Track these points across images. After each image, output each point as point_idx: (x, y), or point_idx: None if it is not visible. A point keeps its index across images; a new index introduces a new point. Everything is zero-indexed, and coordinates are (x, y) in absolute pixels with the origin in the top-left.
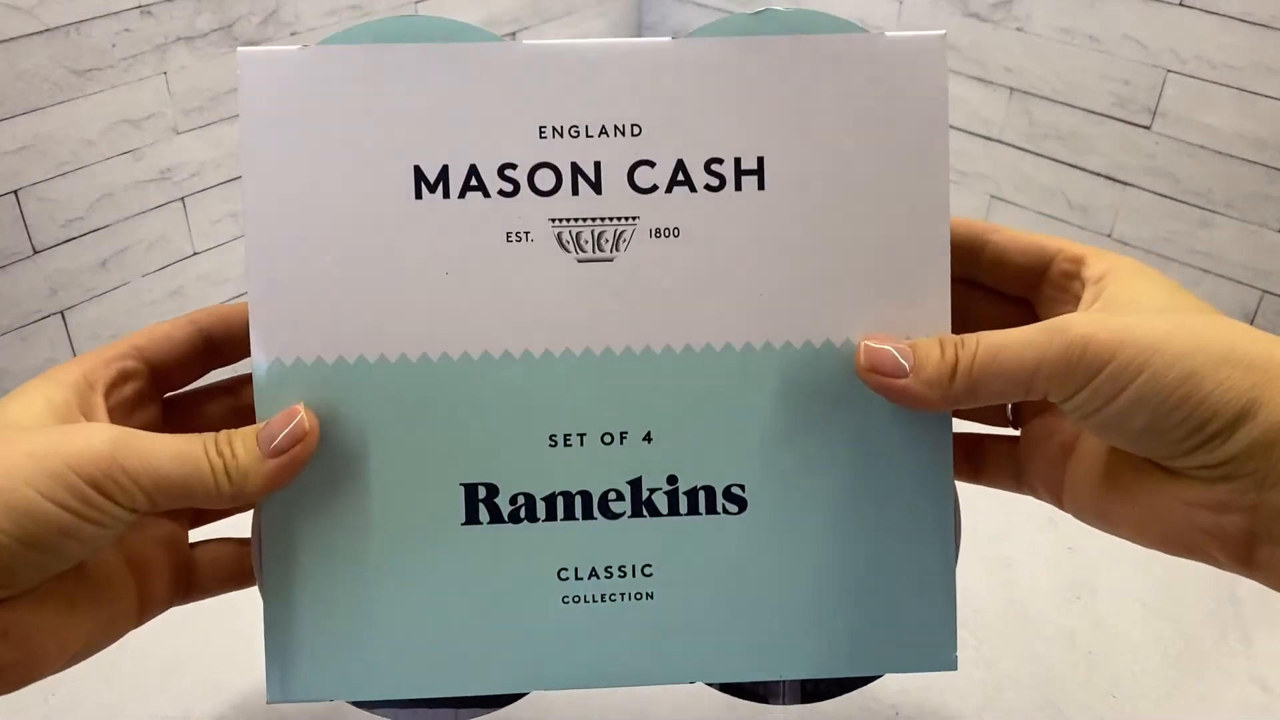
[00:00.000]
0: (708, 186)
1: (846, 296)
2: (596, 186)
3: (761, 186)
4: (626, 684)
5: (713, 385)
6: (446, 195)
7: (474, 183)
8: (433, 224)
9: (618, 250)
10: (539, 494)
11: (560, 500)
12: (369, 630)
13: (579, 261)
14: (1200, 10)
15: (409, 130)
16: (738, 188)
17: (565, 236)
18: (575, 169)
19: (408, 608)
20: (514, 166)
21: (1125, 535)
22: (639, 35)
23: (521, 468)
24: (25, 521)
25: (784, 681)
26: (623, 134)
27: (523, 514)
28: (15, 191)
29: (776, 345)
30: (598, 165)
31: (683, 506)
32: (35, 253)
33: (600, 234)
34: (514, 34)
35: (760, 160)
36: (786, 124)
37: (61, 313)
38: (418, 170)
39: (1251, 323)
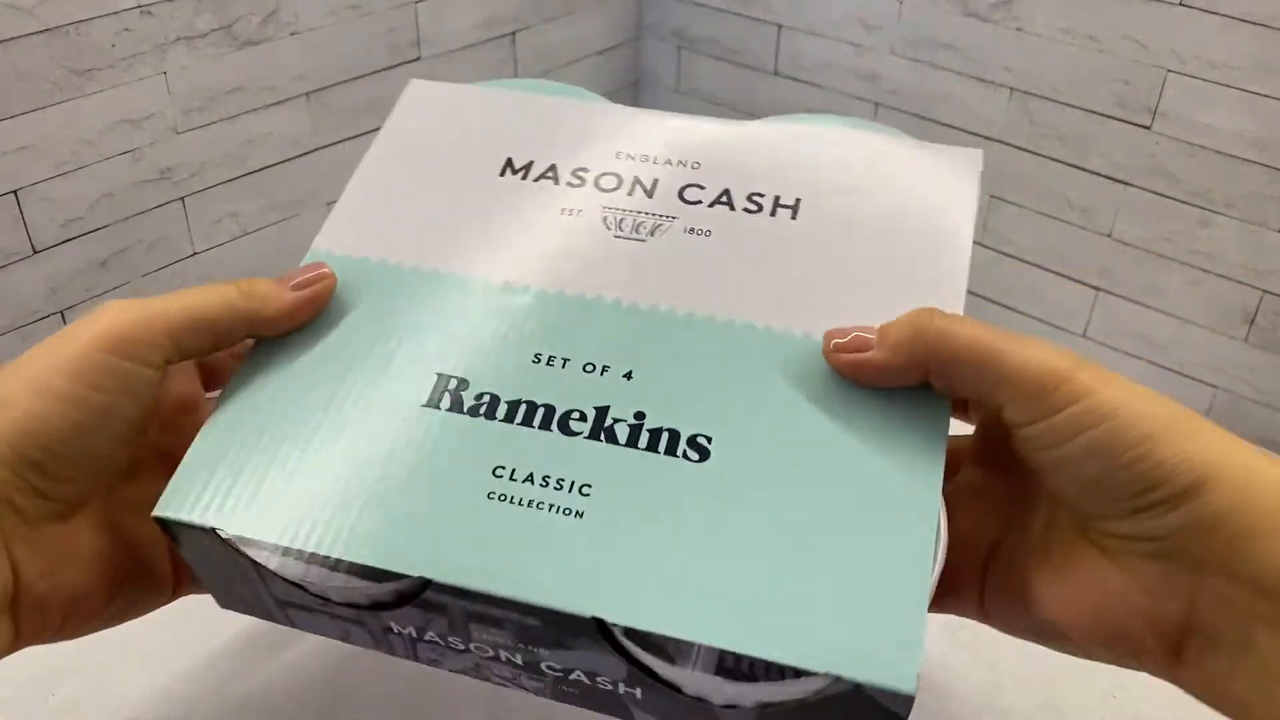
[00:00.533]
0: (745, 209)
1: (857, 306)
2: (649, 194)
3: (794, 218)
4: (522, 596)
5: (705, 349)
6: (524, 178)
7: (550, 174)
8: (503, 193)
9: (652, 237)
10: (505, 397)
11: (523, 407)
12: (283, 472)
13: (615, 238)
14: (1201, 10)
15: (510, 136)
16: (772, 214)
17: (610, 219)
18: (636, 180)
19: (328, 462)
20: (586, 170)
21: (1051, 624)
22: (638, 36)
23: (499, 373)
24: (68, 410)
25: (699, 645)
26: (684, 165)
27: (483, 410)
28: (15, 191)
29: (776, 330)
30: (655, 181)
31: (642, 441)
32: (35, 252)
33: (640, 223)
34: (514, 34)
35: (798, 200)
36: (827, 181)
37: (61, 312)
38: (509, 160)
39: (1251, 323)
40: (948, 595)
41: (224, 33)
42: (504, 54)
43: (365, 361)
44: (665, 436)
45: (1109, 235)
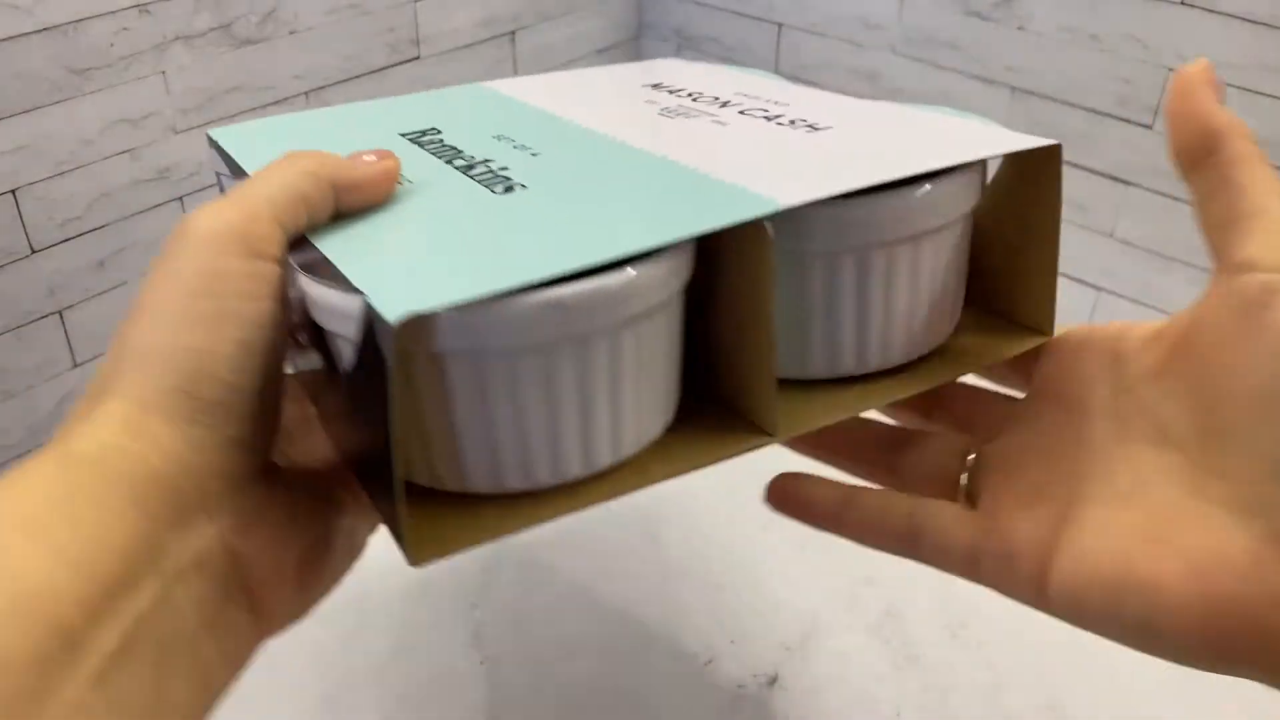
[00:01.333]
0: (776, 123)
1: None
2: (722, 106)
3: (809, 133)
4: None
5: (610, 162)
6: (656, 90)
7: (674, 91)
8: (632, 93)
9: (679, 119)
10: (446, 141)
11: (448, 149)
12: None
13: (655, 116)
14: (1202, 9)
15: (676, 76)
16: (793, 127)
17: (670, 110)
18: (727, 102)
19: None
20: (702, 93)
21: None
22: (638, 35)
23: (462, 133)
24: (226, 329)
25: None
26: (774, 103)
27: (426, 145)
28: (13, 191)
29: (683, 164)
30: (739, 105)
31: (482, 177)
32: (33, 252)
33: (681, 113)
34: (513, 32)
35: (827, 127)
36: (866, 123)
37: (60, 312)
38: (659, 83)
39: None
40: (858, 461)
41: (222, 32)
42: (503, 53)
43: (402, 116)
44: (498, 177)
45: (1111, 235)
